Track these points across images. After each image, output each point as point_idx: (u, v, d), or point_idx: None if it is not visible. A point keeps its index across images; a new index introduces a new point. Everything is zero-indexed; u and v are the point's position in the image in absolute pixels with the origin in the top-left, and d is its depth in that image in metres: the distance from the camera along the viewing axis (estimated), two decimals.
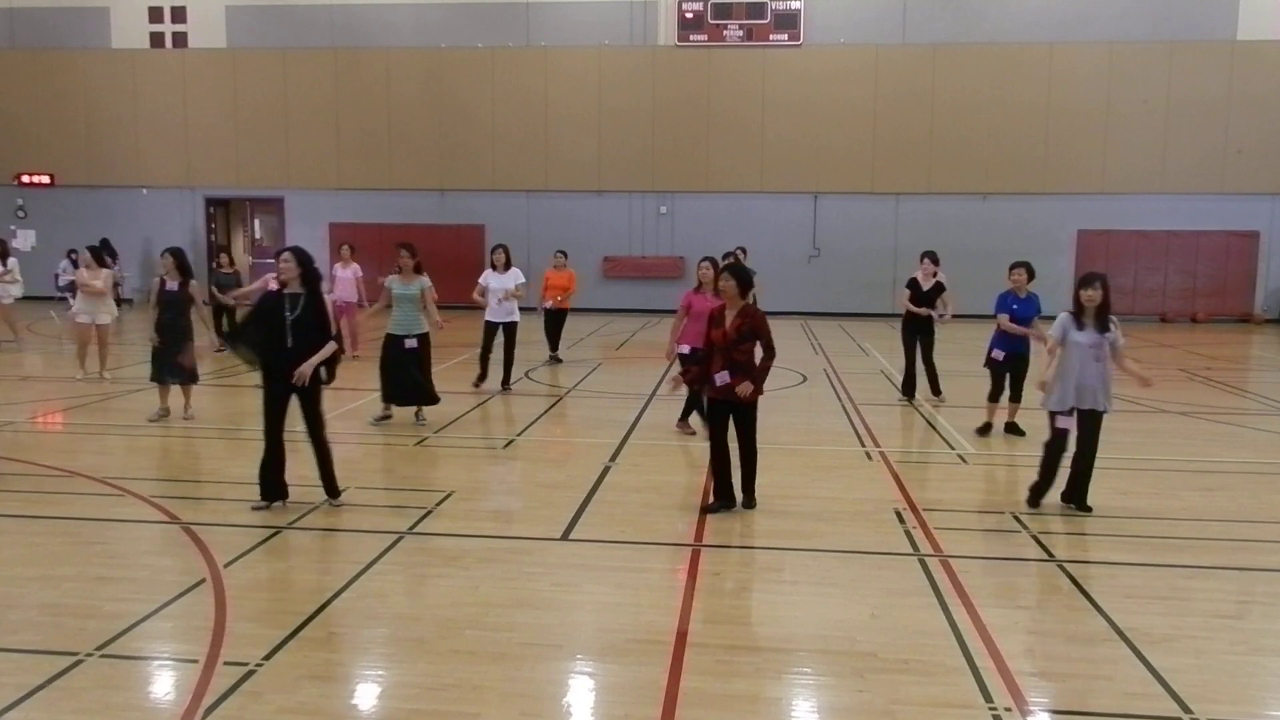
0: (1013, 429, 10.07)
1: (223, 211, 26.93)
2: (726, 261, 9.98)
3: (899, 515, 7.21)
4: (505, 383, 12.47)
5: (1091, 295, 6.97)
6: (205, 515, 6.95)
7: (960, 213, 23.86)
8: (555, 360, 15.02)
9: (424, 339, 10.17)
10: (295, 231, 25.48)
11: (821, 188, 24.44)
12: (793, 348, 17.80)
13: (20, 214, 26.09)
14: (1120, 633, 5.08)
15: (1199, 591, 5.75)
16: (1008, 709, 4.28)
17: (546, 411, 11.47)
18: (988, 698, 4.38)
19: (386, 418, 10.30)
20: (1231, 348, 19.10)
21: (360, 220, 24.67)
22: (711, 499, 7.30)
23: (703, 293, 9.32)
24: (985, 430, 10.06)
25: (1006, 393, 10.02)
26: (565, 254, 15.41)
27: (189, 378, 10.43)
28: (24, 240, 25.48)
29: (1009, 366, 9.93)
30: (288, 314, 6.83)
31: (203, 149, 25.65)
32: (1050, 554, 6.38)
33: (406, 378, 10.03)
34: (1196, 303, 24.18)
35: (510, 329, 12.44)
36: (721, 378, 7.08)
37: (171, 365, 10.25)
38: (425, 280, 10.21)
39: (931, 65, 23.87)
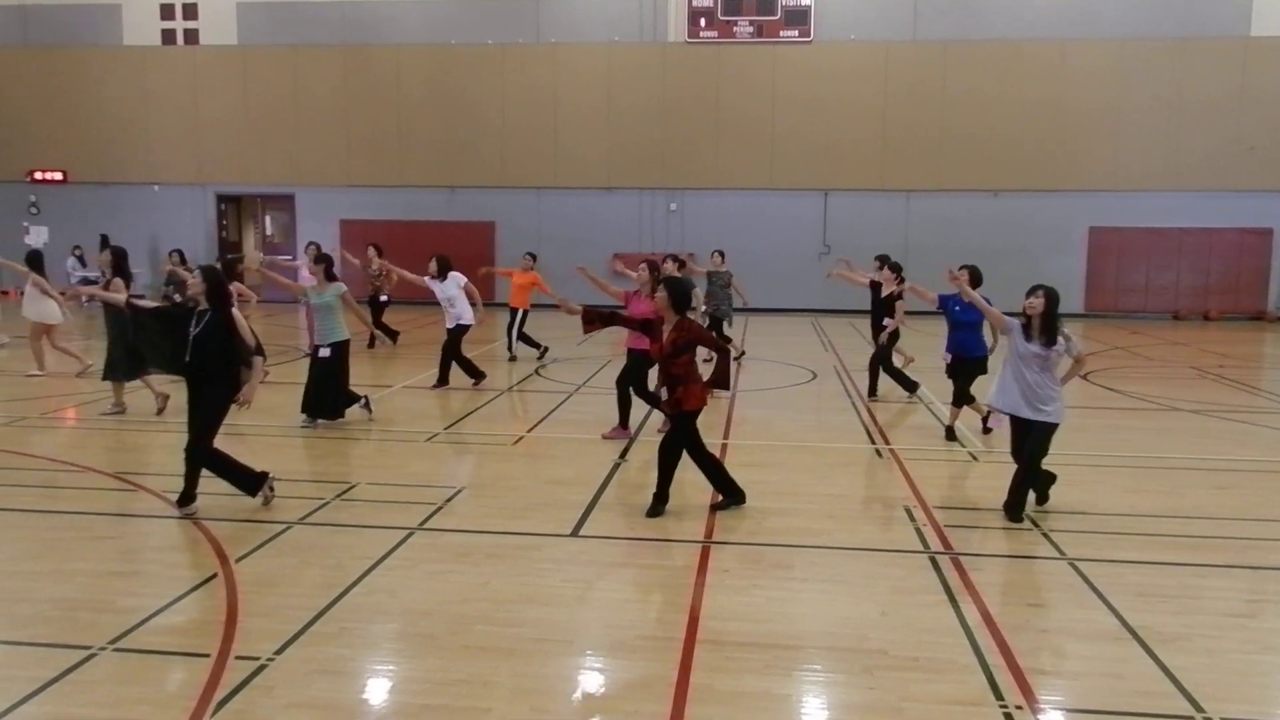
0: (949, 431, 9.85)
1: (234, 208, 27.03)
2: (676, 264, 9.94)
3: (909, 512, 7.20)
4: (439, 382, 12.35)
5: (1032, 303, 6.83)
6: (217, 511, 6.97)
7: (971, 210, 23.78)
8: (513, 359, 14.97)
9: (338, 347, 10.03)
10: (306, 227, 25.54)
11: (831, 184, 24.38)
12: (803, 345, 17.79)
13: (33, 210, 26.21)
14: (1131, 631, 5.07)
15: (1210, 590, 5.73)
16: (1019, 707, 4.27)
17: (556, 408, 11.48)
18: (998, 695, 4.37)
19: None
20: (1244, 345, 19.00)
21: (371, 217, 24.72)
22: (719, 498, 7.29)
23: (640, 295, 9.20)
24: (950, 434, 9.83)
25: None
26: (534, 255, 15.36)
27: (128, 373, 10.48)
28: (36, 237, 25.59)
29: (956, 368, 9.80)
30: (192, 329, 6.83)
31: (214, 146, 25.73)
32: (1061, 552, 6.36)
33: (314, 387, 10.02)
34: (1209, 300, 24.06)
35: (454, 332, 12.36)
36: (662, 393, 7.08)
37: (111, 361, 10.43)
38: (341, 286, 10.11)
39: (942, 62, 23.79)
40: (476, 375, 12.43)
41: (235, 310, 7.00)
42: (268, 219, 27.47)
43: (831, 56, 23.99)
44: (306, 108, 25.34)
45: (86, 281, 23.52)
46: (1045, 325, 6.82)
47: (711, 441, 9.47)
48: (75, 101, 25.84)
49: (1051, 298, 6.82)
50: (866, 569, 6.04)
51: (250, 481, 7.05)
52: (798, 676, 4.61)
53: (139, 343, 7.57)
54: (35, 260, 13.16)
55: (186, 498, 6.93)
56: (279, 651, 4.71)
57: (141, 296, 11.53)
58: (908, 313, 11.87)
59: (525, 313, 15.09)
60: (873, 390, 11.95)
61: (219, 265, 9.08)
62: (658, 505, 7.04)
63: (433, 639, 4.92)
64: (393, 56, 25.01)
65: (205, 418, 6.88)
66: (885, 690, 4.43)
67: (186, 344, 6.80)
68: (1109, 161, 23.55)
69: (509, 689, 4.40)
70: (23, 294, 13.22)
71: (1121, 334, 20.25)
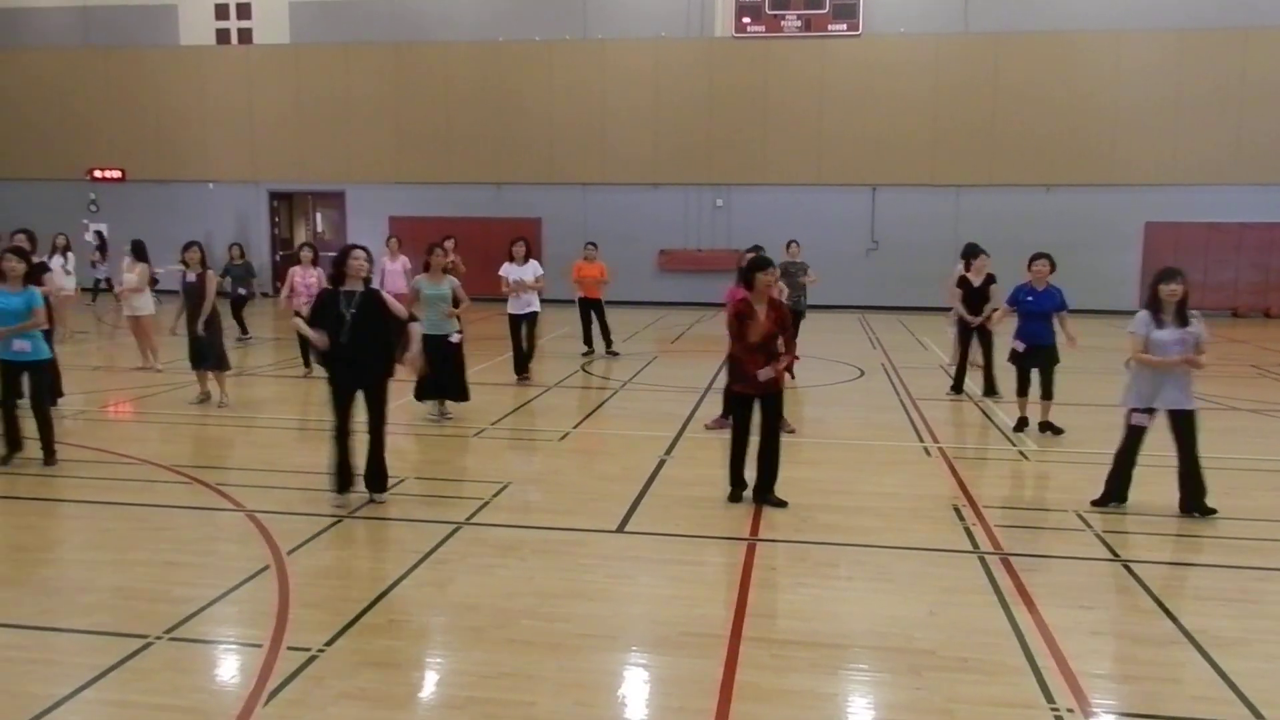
0: (1048, 427, 9.68)
1: (286, 205, 27.42)
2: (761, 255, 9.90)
3: (958, 512, 7.12)
4: (520, 371, 12.49)
5: (1175, 290, 6.77)
6: (270, 504, 7.10)
7: (1023, 205, 23.39)
8: (612, 354, 15.04)
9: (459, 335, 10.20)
10: (356, 224, 25.85)
11: (880, 180, 24.14)
12: (850, 342, 17.64)
13: (93, 208, 26.83)
14: (1188, 635, 4.96)
15: (1271, 594, 5.59)
16: (1070, 710, 4.20)
17: (602, 404, 11.50)
18: (1049, 698, 4.30)
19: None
20: None
21: (419, 214, 24.94)
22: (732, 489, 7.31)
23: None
24: (1021, 426, 9.79)
25: (1037, 389, 9.69)
26: (595, 245, 15.40)
27: (218, 364, 10.73)
28: (100, 232, 26.18)
29: (1032, 359, 9.63)
30: (345, 310, 6.89)
31: (267, 144, 26.14)
32: (1115, 554, 6.25)
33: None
34: (1270, 297, 23.43)
35: (530, 320, 12.49)
36: (765, 373, 7.05)
37: (197, 351, 10.67)
38: (455, 279, 10.25)
39: (994, 54, 23.43)
40: (524, 371, 12.52)
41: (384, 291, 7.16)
42: (319, 216, 27.83)
43: (880, 50, 23.74)
44: (357, 105, 25.64)
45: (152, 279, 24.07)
46: (1181, 308, 6.82)
47: (756, 439, 9.45)
48: (133, 101, 26.39)
49: (1186, 281, 6.83)
50: (914, 568, 5.98)
51: (345, 481, 7.13)
52: (844, 675, 4.58)
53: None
54: (140, 250, 13.33)
55: (346, 485, 7.08)
56: (329, 642, 4.78)
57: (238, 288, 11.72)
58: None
59: (603, 305, 15.12)
60: (992, 388, 11.60)
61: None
62: (770, 496, 7.16)
63: (479, 632, 4.96)
64: (441, 54, 25.21)
65: (382, 398, 7.06)
66: (933, 691, 4.38)
67: (341, 327, 6.85)
68: (1166, 155, 23.03)
69: (554, 683, 4.43)
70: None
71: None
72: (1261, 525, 6.88)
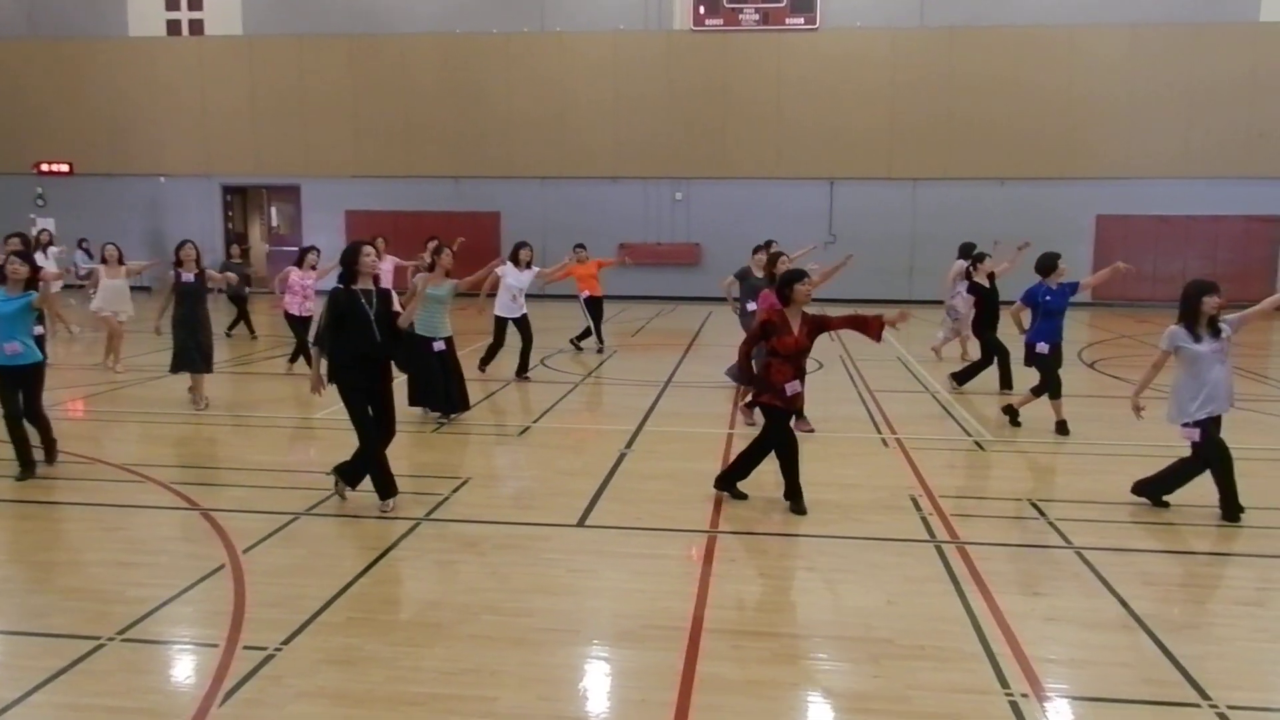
0: (1063, 428, 9.48)
1: (240, 199, 27.06)
2: (775, 255, 9.89)
3: (915, 502, 7.20)
4: (522, 372, 12.47)
5: (1219, 302, 6.67)
6: (224, 502, 7.01)
7: (978, 198, 23.69)
8: (576, 347, 15.03)
9: (449, 341, 9.97)
10: (312, 219, 25.58)
11: (838, 173, 24.32)
12: None
13: (40, 203, 26.27)
14: (1139, 619, 5.06)
15: (1219, 578, 5.73)
16: (1024, 695, 4.27)
17: (562, 398, 11.49)
18: (1004, 684, 4.37)
19: None
20: (1252, 334, 18.90)
21: (377, 208, 24.73)
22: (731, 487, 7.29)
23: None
24: (1062, 428, 9.45)
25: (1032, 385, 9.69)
26: (584, 246, 15.39)
27: (205, 367, 10.50)
28: (47, 228, 25.64)
29: (1058, 359, 9.47)
30: (370, 310, 6.69)
31: (220, 137, 25.74)
32: (1068, 540, 6.35)
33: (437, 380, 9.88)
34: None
35: (523, 322, 12.44)
36: (793, 387, 6.92)
37: (192, 354, 10.34)
38: (455, 281, 10.01)
39: (949, 48, 23.68)
40: (485, 365, 12.47)
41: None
42: (274, 210, 27.49)
43: (838, 44, 23.90)
44: (312, 98, 25.34)
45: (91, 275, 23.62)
46: (1212, 320, 6.73)
47: (717, 432, 9.49)
48: (81, 93, 25.86)
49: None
50: (873, 558, 6.04)
51: (356, 477, 7.01)
52: (804, 665, 4.62)
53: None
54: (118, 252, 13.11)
55: (390, 490, 6.89)
56: (287, 641, 4.73)
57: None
58: (921, 302, 11.75)
59: (602, 300, 15.07)
60: (1007, 382, 11.61)
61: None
62: (798, 504, 6.90)
63: (440, 628, 4.94)
64: (399, 46, 24.98)
65: (392, 403, 6.89)
66: (892, 679, 4.43)
67: (370, 327, 6.65)
68: (1117, 149, 23.45)
69: (516, 678, 4.42)
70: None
71: (1129, 323, 20.19)
72: (1209, 511, 7.02)
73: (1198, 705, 4.19)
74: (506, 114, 24.90)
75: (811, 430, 9.39)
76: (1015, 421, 9.75)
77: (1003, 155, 23.70)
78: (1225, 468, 6.81)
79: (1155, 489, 7.07)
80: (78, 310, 16.14)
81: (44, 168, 26.29)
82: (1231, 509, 6.79)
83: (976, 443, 9.27)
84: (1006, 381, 11.60)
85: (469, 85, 24.90)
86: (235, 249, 16.52)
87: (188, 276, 10.40)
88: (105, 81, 25.81)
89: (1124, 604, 5.28)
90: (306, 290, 12.56)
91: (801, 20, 23.99)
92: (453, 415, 9.97)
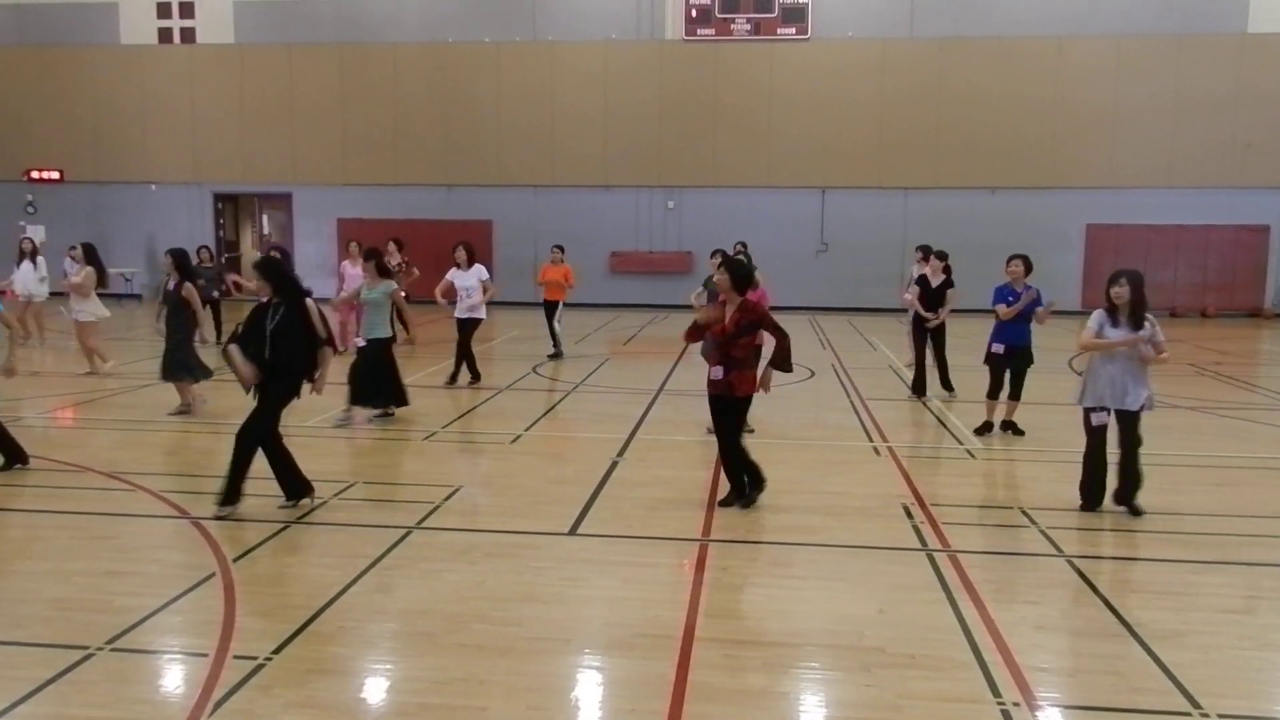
0: (1010, 427, 9.81)
1: (231, 207, 27.00)
2: (730, 255, 10.01)
3: (907, 510, 7.21)
4: (453, 379, 12.43)
5: (1119, 292, 6.85)
6: (214, 510, 6.96)
7: (968, 207, 23.79)
8: (556, 355, 15.03)
9: (378, 343, 10.11)
10: (303, 227, 25.55)
11: (829, 182, 24.39)
12: (800, 343, 17.71)
13: (30, 210, 26.17)
14: (1128, 628, 5.07)
15: (1207, 587, 5.74)
16: (1015, 704, 4.27)
17: (553, 407, 11.48)
18: (995, 692, 4.37)
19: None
20: (1241, 342, 19.02)
21: (368, 215, 24.71)
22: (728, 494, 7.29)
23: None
24: (985, 429, 9.82)
25: (1006, 389, 9.79)
26: (561, 249, 15.42)
27: (187, 374, 10.48)
28: (34, 236, 25.51)
29: (1009, 361, 9.66)
30: (268, 324, 6.78)
31: (210, 145, 25.70)
32: (1059, 549, 6.37)
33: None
34: (1206, 297, 24.08)
35: (468, 325, 12.40)
36: (715, 372, 7.06)
37: (171, 362, 10.36)
38: (392, 284, 10.23)
39: (939, 59, 23.80)
40: (475, 375, 12.44)
41: (310, 301, 6.93)
42: (265, 218, 27.44)
43: (829, 54, 23.99)
44: (303, 106, 25.32)
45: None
46: (1135, 309, 6.85)
47: (709, 440, 9.49)
48: (72, 100, 25.80)
49: (1135, 283, 6.86)
50: (865, 567, 6.04)
51: (297, 486, 6.99)
52: (796, 674, 4.62)
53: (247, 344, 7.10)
54: (90, 253, 13.04)
55: (231, 495, 6.79)
56: (277, 651, 4.71)
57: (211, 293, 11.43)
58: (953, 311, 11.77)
59: (562, 306, 15.13)
60: (946, 383, 11.80)
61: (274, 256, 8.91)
62: (737, 497, 7.14)
63: (430, 638, 4.92)
64: (389, 55, 24.99)
65: (273, 406, 6.85)
66: (883, 688, 4.43)
67: (265, 340, 6.72)
68: (1106, 159, 23.58)
69: (506, 688, 4.40)
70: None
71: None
72: (1197, 519, 7.06)
73: (1188, 714, 4.20)
74: (498, 123, 24.92)
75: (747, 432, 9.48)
76: (1017, 431, 9.77)
77: (993, 164, 23.80)
78: (1095, 464, 7.07)
79: (1097, 492, 7.14)
80: (67, 317, 16.05)
81: (34, 175, 26.20)
82: (1090, 497, 7.10)
83: (968, 451, 9.29)
84: (919, 387, 11.84)
85: (460, 94, 24.91)
86: (204, 253, 16.39)
87: (170, 285, 10.44)
88: (96, 89, 25.75)
89: (1114, 612, 5.29)
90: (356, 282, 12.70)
91: (793, 30, 24.08)
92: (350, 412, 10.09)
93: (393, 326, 10.51)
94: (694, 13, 24.24)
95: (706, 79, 24.38)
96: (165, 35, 25.73)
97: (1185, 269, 24.00)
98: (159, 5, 25.58)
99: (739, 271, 7.13)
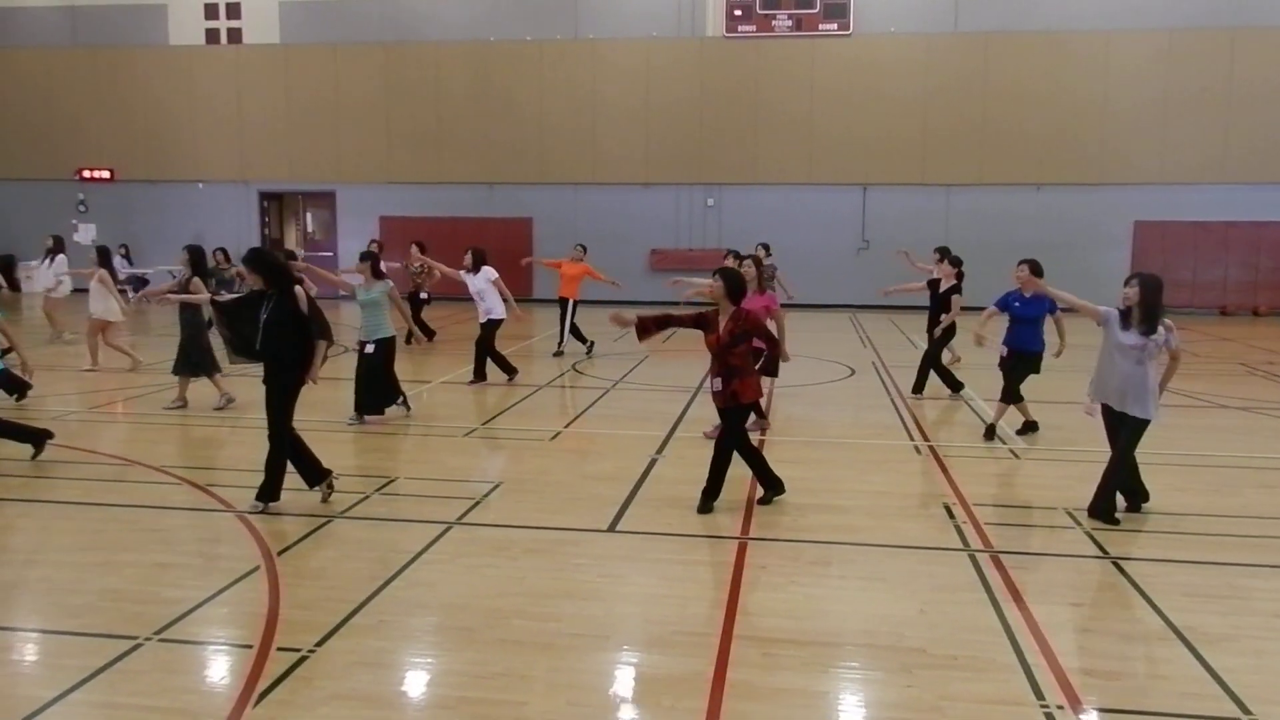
0: (992, 432, 9.56)
1: (276, 205, 27.36)
2: (747, 258, 9.97)
3: (949, 510, 7.13)
4: (479, 376, 12.39)
5: (1128, 294, 6.64)
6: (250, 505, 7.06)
7: (1013, 204, 23.48)
8: (559, 354, 15.03)
9: (383, 343, 10.13)
10: (347, 225, 25.83)
11: (871, 179, 24.20)
12: (841, 341, 17.67)
13: (81, 208, 26.74)
14: (1177, 631, 4.98)
15: (1259, 590, 5.61)
16: (1060, 707, 4.21)
17: (593, 404, 11.50)
18: (1039, 695, 4.31)
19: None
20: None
21: (410, 214, 24.93)
22: (760, 492, 7.27)
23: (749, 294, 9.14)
24: (1027, 429, 9.65)
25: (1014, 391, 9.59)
26: (584, 247, 15.46)
27: (194, 370, 10.70)
28: (85, 234, 26.10)
29: (1013, 364, 9.47)
30: (261, 315, 6.85)
31: (256, 144, 26.07)
32: (1104, 551, 6.27)
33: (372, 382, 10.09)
34: (1258, 295, 23.57)
35: (488, 326, 12.37)
36: (715, 384, 7.05)
37: (178, 357, 10.67)
38: (387, 283, 10.27)
39: (984, 54, 23.51)
40: (509, 371, 12.49)
41: (301, 290, 6.99)
42: (309, 216, 27.78)
43: (871, 50, 23.79)
44: (347, 105, 25.59)
45: (135, 279, 24.02)
46: (1145, 314, 6.62)
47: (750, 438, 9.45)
48: (122, 101, 26.30)
49: (1148, 286, 6.63)
50: (905, 567, 5.99)
51: (315, 474, 7.10)
52: (835, 674, 4.59)
53: (233, 335, 7.24)
54: (104, 256, 13.36)
55: (267, 491, 6.91)
56: (320, 643, 4.77)
57: (220, 293, 11.81)
58: (963, 308, 11.65)
59: (576, 304, 15.13)
60: (919, 387, 11.75)
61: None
62: (708, 501, 7.02)
63: (470, 632, 4.95)
64: (432, 54, 25.18)
65: (280, 404, 6.93)
66: (924, 689, 4.39)
67: (257, 330, 6.83)
68: (1155, 155, 23.15)
69: (545, 683, 4.42)
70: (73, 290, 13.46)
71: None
72: (1248, 522, 6.91)
73: (1237, 719, 4.12)
74: (539, 121, 25.01)
75: (761, 429, 9.49)
76: (992, 435, 9.58)
77: (1038, 161, 23.47)
78: (1112, 466, 6.87)
79: (1109, 501, 6.90)
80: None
81: (86, 174, 26.74)
82: (1102, 509, 6.86)
83: (1011, 450, 9.17)
84: (919, 386, 11.75)
85: (502, 93, 25.04)
86: (219, 255, 16.56)
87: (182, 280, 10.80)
88: (146, 90, 26.23)
89: (1162, 615, 5.19)
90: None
91: (835, 26, 23.91)
92: (366, 419, 10.06)
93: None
94: (735, 10, 24.15)
95: (747, 76, 24.29)
96: (213, 36, 26.13)
97: (1236, 267, 23.51)
98: (206, 6, 25.99)
99: (733, 280, 7.07)
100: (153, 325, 13.60)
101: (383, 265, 14.80)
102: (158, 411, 10.64)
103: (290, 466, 7.02)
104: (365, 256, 10.44)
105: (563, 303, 15.18)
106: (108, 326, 13.26)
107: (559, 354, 15.06)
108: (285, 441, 6.94)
